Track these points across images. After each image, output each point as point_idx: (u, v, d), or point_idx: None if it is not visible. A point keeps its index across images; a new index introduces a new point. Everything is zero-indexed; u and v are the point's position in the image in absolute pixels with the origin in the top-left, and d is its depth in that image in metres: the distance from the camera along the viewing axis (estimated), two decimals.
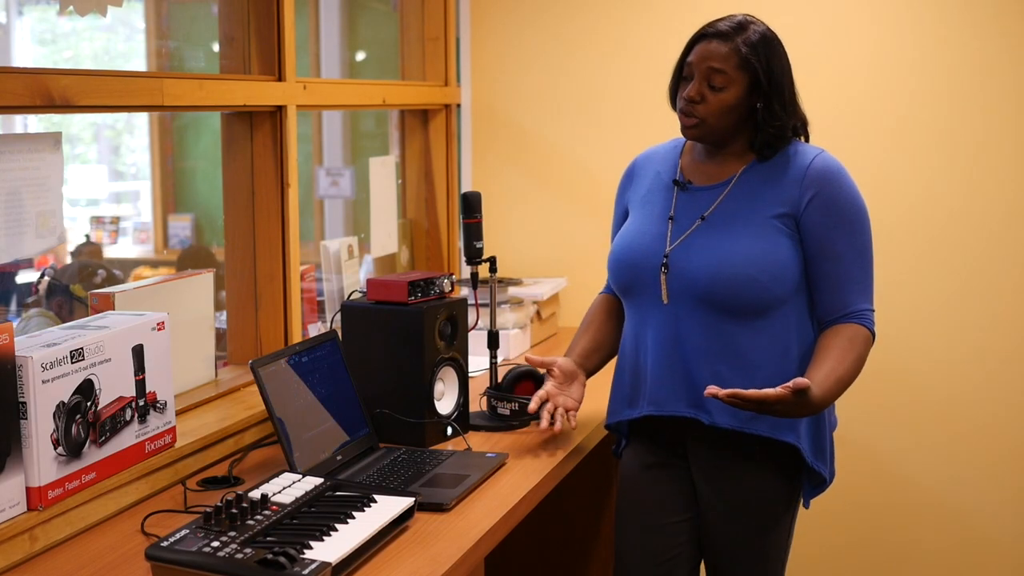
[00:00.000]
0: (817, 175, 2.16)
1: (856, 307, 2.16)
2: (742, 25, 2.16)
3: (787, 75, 2.19)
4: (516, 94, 3.65)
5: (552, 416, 2.30)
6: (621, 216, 2.40)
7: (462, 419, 2.50)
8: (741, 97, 2.15)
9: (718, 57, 2.14)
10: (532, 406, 2.32)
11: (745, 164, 2.22)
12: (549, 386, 2.35)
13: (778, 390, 1.97)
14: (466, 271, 3.02)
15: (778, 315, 2.16)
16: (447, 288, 2.50)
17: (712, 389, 2.01)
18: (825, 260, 2.16)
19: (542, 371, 2.43)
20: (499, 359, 2.67)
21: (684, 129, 2.20)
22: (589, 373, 2.41)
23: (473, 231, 2.59)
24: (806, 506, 2.28)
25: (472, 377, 2.68)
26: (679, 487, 2.29)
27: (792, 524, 2.29)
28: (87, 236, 6.57)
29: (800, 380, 1.97)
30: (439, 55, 3.64)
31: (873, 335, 2.17)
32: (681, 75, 2.22)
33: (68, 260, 5.79)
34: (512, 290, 3.33)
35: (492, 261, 2.61)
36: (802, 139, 2.26)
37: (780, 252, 2.14)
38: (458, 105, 3.71)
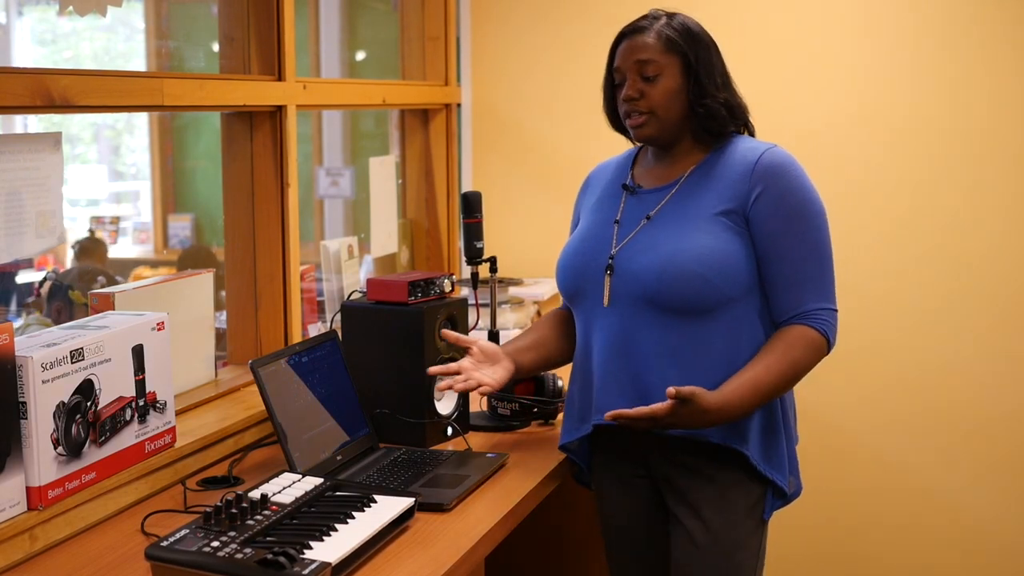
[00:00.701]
0: (765, 169, 2.07)
1: (808, 307, 2.07)
2: (656, 16, 2.14)
3: (716, 59, 2.13)
4: (517, 94, 3.65)
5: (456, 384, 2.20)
6: (574, 229, 2.34)
7: (462, 419, 2.50)
8: (679, 81, 2.10)
9: (640, 48, 2.10)
10: (432, 369, 2.24)
11: (696, 162, 2.15)
12: (464, 360, 2.26)
13: (663, 403, 1.93)
14: (466, 271, 3.01)
15: (728, 315, 2.07)
16: (447, 288, 2.50)
17: (608, 414, 1.98)
18: (775, 259, 2.07)
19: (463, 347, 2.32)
20: None
21: (635, 131, 2.14)
22: (520, 368, 2.29)
23: (473, 231, 2.59)
24: (765, 517, 2.15)
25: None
26: (656, 505, 2.21)
27: (760, 542, 2.17)
28: (91, 231, 6.54)
29: (683, 388, 1.92)
30: (439, 55, 3.64)
31: (826, 335, 2.07)
32: (613, 85, 2.18)
33: (69, 256, 5.79)
34: (512, 290, 3.33)
35: (492, 261, 2.61)
36: (745, 132, 2.19)
37: (728, 248, 2.06)
38: (458, 105, 3.71)
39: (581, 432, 2.21)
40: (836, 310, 2.11)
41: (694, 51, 2.10)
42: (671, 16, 2.14)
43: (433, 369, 2.26)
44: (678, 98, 2.11)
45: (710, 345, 2.07)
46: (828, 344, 2.10)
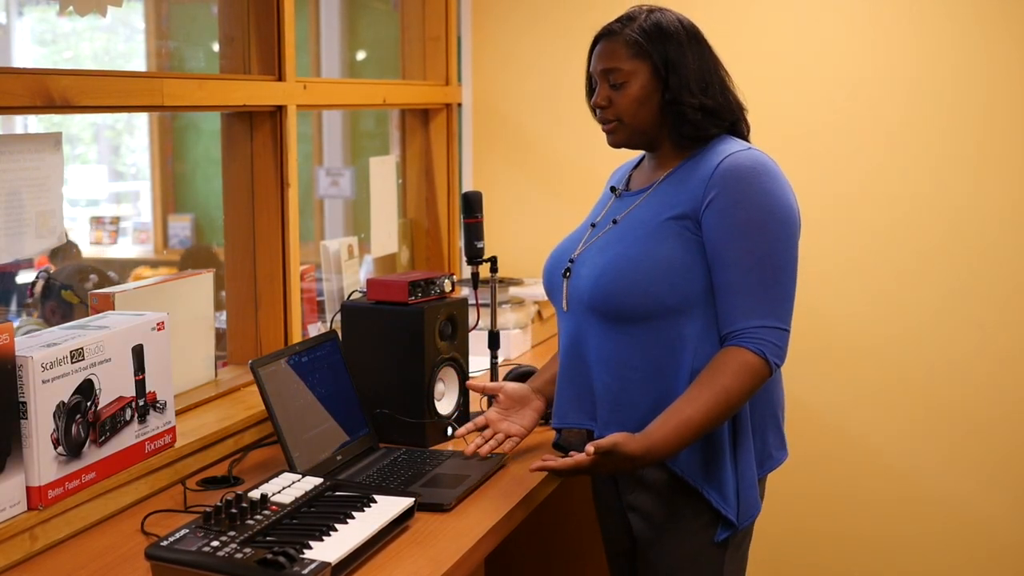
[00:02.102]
0: (723, 173, 1.96)
1: (746, 324, 1.93)
2: (632, 17, 2.07)
3: (693, 58, 2.04)
4: (517, 93, 3.65)
5: (485, 442, 2.19)
6: None
7: (462, 419, 2.50)
8: (647, 87, 2.03)
9: (607, 56, 2.06)
10: (460, 431, 2.24)
11: (674, 165, 2.08)
12: (492, 412, 2.24)
13: (581, 455, 1.86)
14: (467, 271, 3.01)
15: (673, 325, 1.98)
16: (447, 288, 2.50)
17: (536, 464, 1.93)
18: (719, 268, 1.96)
19: (487, 395, 2.33)
20: (500, 359, 2.67)
21: (606, 137, 2.11)
22: (551, 401, 2.24)
23: (474, 231, 2.59)
24: (716, 539, 2.03)
25: (472, 377, 2.67)
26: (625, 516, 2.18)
27: (722, 562, 2.05)
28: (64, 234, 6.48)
29: (602, 442, 1.85)
30: (440, 54, 3.64)
31: (764, 356, 1.92)
32: (591, 88, 2.14)
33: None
34: (513, 290, 3.33)
35: (493, 261, 2.61)
36: (746, 132, 2.11)
37: (673, 256, 1.97)
38: (459, 104, 3.71)
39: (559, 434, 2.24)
40: (783, 329, 1.96)
41: (663, 55, 2.03)
42: (649, 14, 2.07)
43: (460, 432, 2.25)
44: (646, 104, 2.04)
45: (650, 355, 2.00)
46: (769, 366, 1.94)
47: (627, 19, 2.09)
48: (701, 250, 1.98)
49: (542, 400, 2.26)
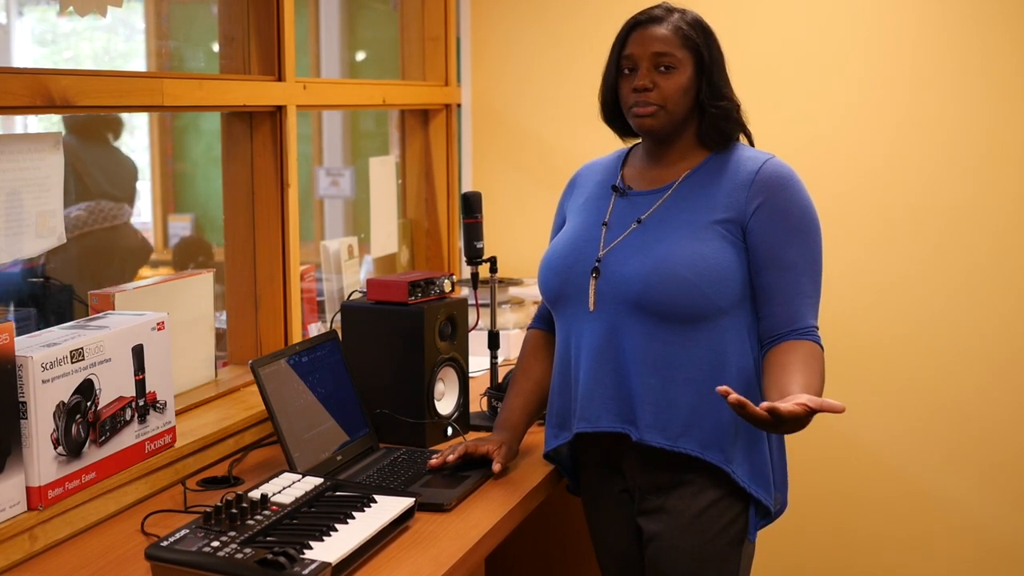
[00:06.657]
0: (766, 180, 2.04)
1: (805, 323, 2.02)
2: (670, 9, 2.10)
3: (723, 60, 2.11)
4: (516, 94, 3.65)
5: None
6: (559, 228, 2.29)
7: (462, 419, 2.50)
8: (691, 78, 2.06)
9: (659, 39, 2.05)
10: (433, 461, 2.18)
11: (691, 166, 2.10)
12: (488, 446, 2.22)
13: (796, 407, 1.75)
14: (466, 271, 3.02)
15: (716, 326, 2.02)
16: (447, 288, 2.50)
17: (730, 393, 1.73)
18: (773, 270, 2.03)
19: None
20: (499, 359, 2.67)
21: (638, 120, 2.07)
22: (520, 435, 2.27)
23: (473, 231, 2.59)
24: (750, 538, 2.09)
25: (472, 377, 2.68)
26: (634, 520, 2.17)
27: (739, 562, 2.10)
28: None
29: (823, 401, 1.76)
30: (439, 55, 3.64)
31: (823, 352, 2.03)
32: (619, 72, 2.11)
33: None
34: (512, 290, 3.33)
35: (492, 261, 2.61)
36: (744, 139, 2.16)
37: (722, 258, 2.01)
38: (458, 105, 3.71)
39: (561, 439, 2.16)
40: (818, 328, 2.07)
41: (708, 50, 2.08)
42: (683, 12, 2.10)
43: (433, 462, 2.19)
44: (687, 95, 2.07)
45: (694, 355, 2.02)
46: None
47: (666, 10, 2.10)
48: (743, 253, 2.04)
49: (521, 433, 2.27)
